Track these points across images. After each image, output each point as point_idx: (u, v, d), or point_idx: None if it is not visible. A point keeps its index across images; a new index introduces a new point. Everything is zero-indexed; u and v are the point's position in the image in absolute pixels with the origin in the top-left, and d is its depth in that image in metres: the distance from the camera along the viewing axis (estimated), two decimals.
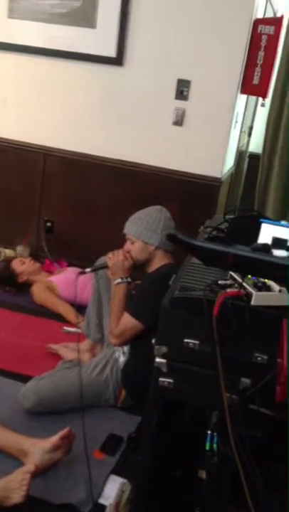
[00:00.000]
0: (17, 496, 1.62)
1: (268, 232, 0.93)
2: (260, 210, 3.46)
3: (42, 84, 3.43)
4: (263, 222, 0.93)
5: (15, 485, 1.64)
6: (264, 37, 3.07)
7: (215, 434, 1.40)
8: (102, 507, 1.74)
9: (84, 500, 1.77)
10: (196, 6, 3.01)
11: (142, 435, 1.70)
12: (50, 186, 3.59)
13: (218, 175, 3.23)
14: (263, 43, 3.08)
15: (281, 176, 3.55)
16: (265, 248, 0.88)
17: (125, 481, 1.85)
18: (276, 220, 1.24)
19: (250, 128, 4.17)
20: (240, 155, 3.86)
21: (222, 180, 3.25)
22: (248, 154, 4.20)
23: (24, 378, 2.30)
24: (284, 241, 0.90)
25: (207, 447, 1.39)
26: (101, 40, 3.20)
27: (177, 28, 3.07)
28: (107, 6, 3.13)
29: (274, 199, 3.61)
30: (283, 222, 0.95)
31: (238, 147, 3.71)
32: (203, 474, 1.46)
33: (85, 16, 3.19)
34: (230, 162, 3.53)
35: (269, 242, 0.92)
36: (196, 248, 0.89)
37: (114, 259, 2.26)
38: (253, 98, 3.81)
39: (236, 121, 3.36)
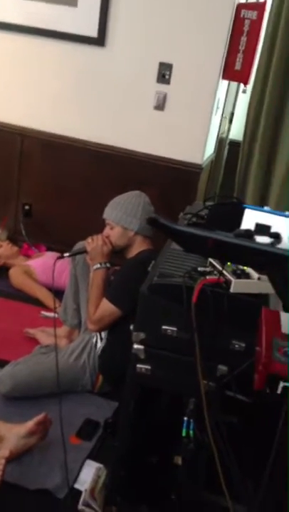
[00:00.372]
0: None
1: (251, 218, 0.92)
2: (239, 198, 3.46)
3: (19, 63, 3.35)
4: (246, 207, 0.92)
5: None
6: (247, 22, 3.04)
7: (191, 420, 1.40)
8: (78, 492, 1.74)
9: (59, 485, 1.77)
10: None
11: (118, 421, 1.70)
12: (28, 168, 3.52)
13: (198, 161, 3.22)
14: (246, 28, 3.05)
15: (261, 164, 3.55)
16: (248, 234, 0.87)
17: (101, 466, 1.85)
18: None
19: (232, 114, 4.15)
20: (220, 142, 3.85)
21: (202, 167, 3.24)
22: (228, 141, 4.19)
23: (0, 363, 2.28)
24: (267, 227, 0.89)
25: (183, 434, 1.40)
26: (82, 19, 3.13)
27: (160, 10, 3.02)
28: None
29: (253, 187, 3.61)
30: (266, 208, 0.94)
31: (218, 134, 3.70)
32: (179, 460, 1.47)
33: None
34: (210, 149, 3.52)
35: (252, 228, 0.91)
36: (177, 233, 0.87)
37: (93, 244, 2.24)
38: (234, 84, 3.78)
39: (217, 107, 3.34)
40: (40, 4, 3.16)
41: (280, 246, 0.88)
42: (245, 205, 0.91)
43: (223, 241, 0.80)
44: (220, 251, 0.89)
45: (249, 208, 0.92)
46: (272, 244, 0.88)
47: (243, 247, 0.79)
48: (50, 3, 3.15)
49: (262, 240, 0.89)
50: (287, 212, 0.96)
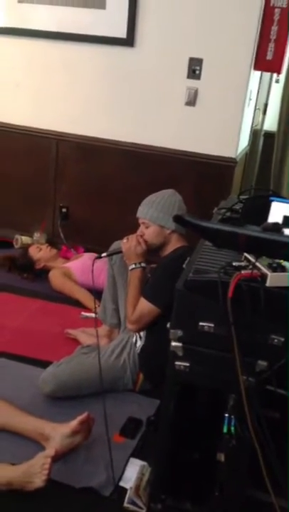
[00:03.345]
0: (38, 481, 1.64)
1: (278, 211, 0.90)
2: (276, 190, 3.40)
3: (54, 69, 3.40)
4: (273, 200, 0.90)
5: (36, 469, 1.66)
6: (277, 10, 2.98)
7: (232, 416, 1.39)
8: (123, 490, 1.75)
9: (104, 483, 1.78)
10: None
11: (160, 418, 1.70)
12: (64, 172, 3.58)
13: (232, 155, 3.18)
14: (276, 17, 2.99)
15: None
16: (276, 227, 0.85)
17: (145, 463, 1.86)
18: None
19: (265, 105, 4.08)
20: (254, 134, 3.79)
21: (236, 161, 3.20)
22: (262, 133, 4.12)
23: (43, 364, 2.32)
24: None
25: (225, 430, 1.39)
26: (111, 21, 3.15)
27: (188, 5, 3.00)
28: None
29: None
30: None
31: (252, 126, 3.64)
32: (221, 457, 1.45)
33: None
34: (244, 141, 3.47)
35: (280, 221, 0.89)
36: (204, 229, 0.86)
37: (127, 244, 2.25)
38: (267, 74, 3.72)
39: (250, 99, 3.29)
40: (70, 10, 3.21)
41: None
42: (271, 198, 0.89)
43: (249, 235, 0.79)
44: (249, 245, 0.87)
45: (276, 200, 0.90)
46: None
47: (269, 240, 0.78)
48: (78, 7, 3.19)
49: None
50: None
